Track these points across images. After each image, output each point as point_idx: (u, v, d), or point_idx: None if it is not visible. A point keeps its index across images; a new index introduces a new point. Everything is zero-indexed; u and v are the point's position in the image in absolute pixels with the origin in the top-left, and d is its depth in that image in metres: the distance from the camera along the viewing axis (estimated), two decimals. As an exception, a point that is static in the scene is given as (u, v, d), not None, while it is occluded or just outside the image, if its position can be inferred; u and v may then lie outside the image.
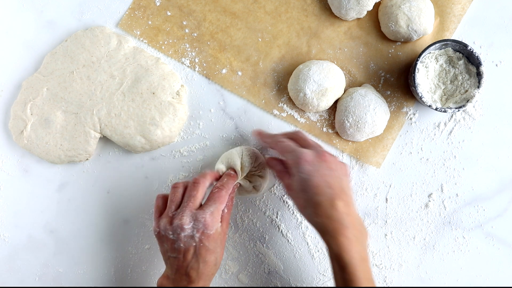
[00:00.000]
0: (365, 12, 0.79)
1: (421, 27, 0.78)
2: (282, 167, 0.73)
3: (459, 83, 0.78)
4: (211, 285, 0.81)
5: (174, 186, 0.72)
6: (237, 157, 0.75)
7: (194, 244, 0.68)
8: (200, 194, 0.71)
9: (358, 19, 0.81)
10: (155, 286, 0.81)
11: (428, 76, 0.78)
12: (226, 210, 0.72)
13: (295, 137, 0.73)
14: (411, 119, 0.81)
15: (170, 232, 0.68)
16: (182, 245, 0.68)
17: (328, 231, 0.65)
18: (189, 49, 0.82)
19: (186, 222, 0.68)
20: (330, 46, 0.81)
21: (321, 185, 0.66)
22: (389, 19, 0.78)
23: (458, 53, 0.78)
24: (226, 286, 0.81)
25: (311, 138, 0.81)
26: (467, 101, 0.76)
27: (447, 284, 0.80)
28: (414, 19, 0.77)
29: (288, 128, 0.81)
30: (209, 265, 0.69)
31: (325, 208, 0.65)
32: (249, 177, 0.76)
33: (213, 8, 0.82)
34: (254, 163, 0.76)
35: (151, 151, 0.81)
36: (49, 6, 0.84)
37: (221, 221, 0.71)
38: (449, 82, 0.78)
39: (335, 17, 0.81)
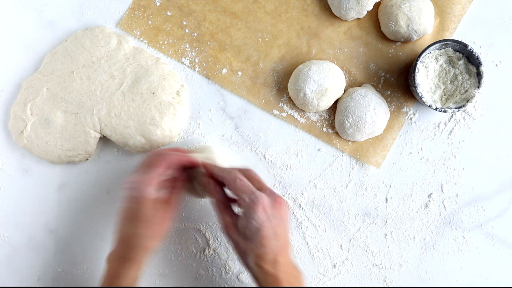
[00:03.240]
0: (365, 12, 0.79)
1: (421, 27, 0.78)
2: (224, 198, 0.70)
3: (459, 83, 0.78)
4: (210, 285, 0.81)
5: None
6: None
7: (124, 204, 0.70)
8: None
9: (358, 19, 0.81)
10: (155, 286, 0.81)
11: (428, 76, 0.78)
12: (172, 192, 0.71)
13: (248, 176, 0.69)
14: (411, 119, 0.81)
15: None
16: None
17: (264, 282, 0.66)
18: (189, 49, 0.82)
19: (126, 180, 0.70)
20: (330, 46, 0.81)
21: (269, 237, 0.65)
22: (389, 19, 0.78)
23: (458, 53, 0.78)
24: (226, 286, 0.81)
25: (310, 138, 0.81)
26: (467, 101, 0.76)
27: (447, 284, 0.80)
28: (414, 19, 0.77)
29: (289, 128, 0.81)
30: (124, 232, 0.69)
31: (267, 261, 0.65)
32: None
33: (213, 8, 0.82)
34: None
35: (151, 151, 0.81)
36: (49, 6, 0.84)
37: (168, 203, 0.70)
38: (449, 82, 0.78)
39: (335, 17, 0.81)
